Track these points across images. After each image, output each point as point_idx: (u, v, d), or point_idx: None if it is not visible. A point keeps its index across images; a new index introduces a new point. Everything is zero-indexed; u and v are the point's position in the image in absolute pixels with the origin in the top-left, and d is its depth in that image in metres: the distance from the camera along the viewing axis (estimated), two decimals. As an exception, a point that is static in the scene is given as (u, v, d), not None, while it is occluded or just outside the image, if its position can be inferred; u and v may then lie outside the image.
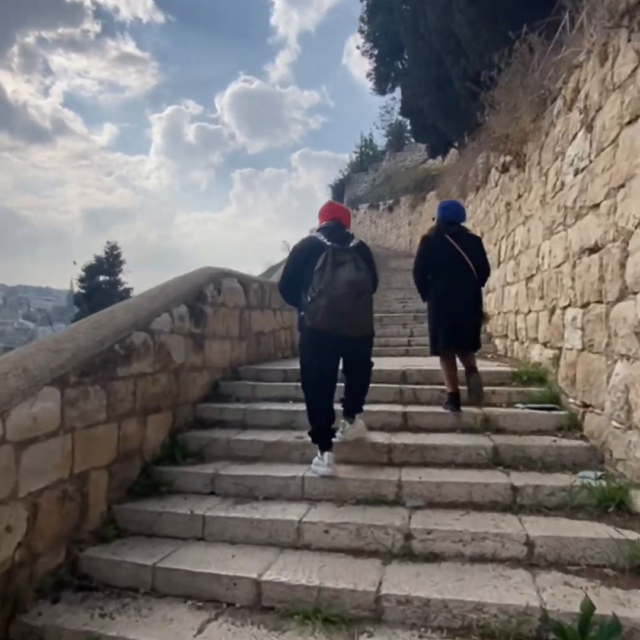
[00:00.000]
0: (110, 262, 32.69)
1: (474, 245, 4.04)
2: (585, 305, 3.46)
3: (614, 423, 2.98)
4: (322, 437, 3.23)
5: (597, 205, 3.27)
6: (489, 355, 6.32)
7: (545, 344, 4.47)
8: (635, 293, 2.73)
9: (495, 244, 6.89)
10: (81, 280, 32.27)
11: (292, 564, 2.54)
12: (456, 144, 16.61)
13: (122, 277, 32.89)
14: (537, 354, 4.69)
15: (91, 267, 32.30)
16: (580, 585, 2.25)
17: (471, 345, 3.99)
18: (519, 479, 2.99)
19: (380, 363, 5.37)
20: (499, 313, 6.56)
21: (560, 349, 4.04)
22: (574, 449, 3.26)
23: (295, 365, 3.63)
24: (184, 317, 4.05)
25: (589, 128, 3.51)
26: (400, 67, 20.21)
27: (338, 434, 3.40)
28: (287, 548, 2.71)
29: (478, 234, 5.10)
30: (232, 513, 2.94)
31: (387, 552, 2.59)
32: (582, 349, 3.51)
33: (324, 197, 34.32)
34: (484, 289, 4.40)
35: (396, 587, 2.30)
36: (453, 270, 3.85)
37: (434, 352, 4.03)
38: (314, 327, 3.11)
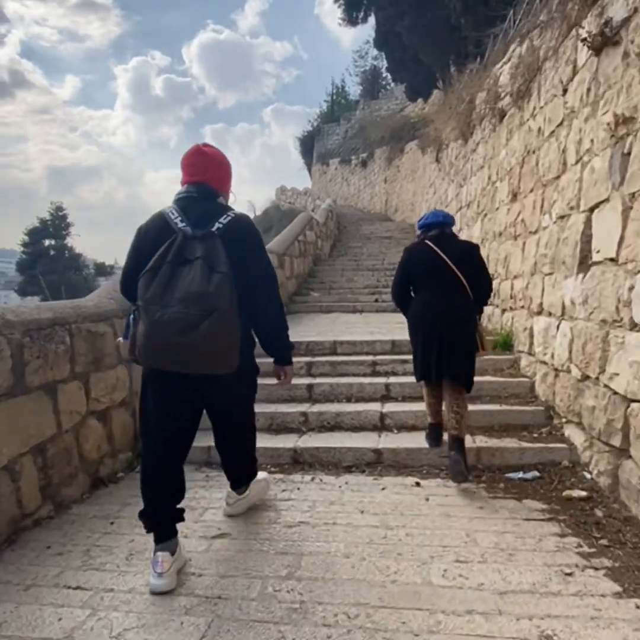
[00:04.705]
0: (56, 224, 27.85)
1: (467, 252, 2.85)
2: None
3: None
4: (154, 519, 1.89)
5: None
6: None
7: None
8: None
9: (562, 218, 3.10)
10: (24, 245, 27.45)
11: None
12: (440, 84, 12.45)
13: (69, 241, 28.18)
14: None
15: (35, 230, 27.45)
16: None
17: (457, 378, 2.72)
18: None
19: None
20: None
21: None
22: None
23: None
24: None
25: None
26: (374, -13, 15.64)
27: (224, 506, 2.32)
28: None
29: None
30: None
31: None
32: None
33: (298, 154, 29.11)
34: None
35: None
36: (437, 281, 2.78)
37: (417, 379, 2.97)
38: (138, 361, 1.92)
